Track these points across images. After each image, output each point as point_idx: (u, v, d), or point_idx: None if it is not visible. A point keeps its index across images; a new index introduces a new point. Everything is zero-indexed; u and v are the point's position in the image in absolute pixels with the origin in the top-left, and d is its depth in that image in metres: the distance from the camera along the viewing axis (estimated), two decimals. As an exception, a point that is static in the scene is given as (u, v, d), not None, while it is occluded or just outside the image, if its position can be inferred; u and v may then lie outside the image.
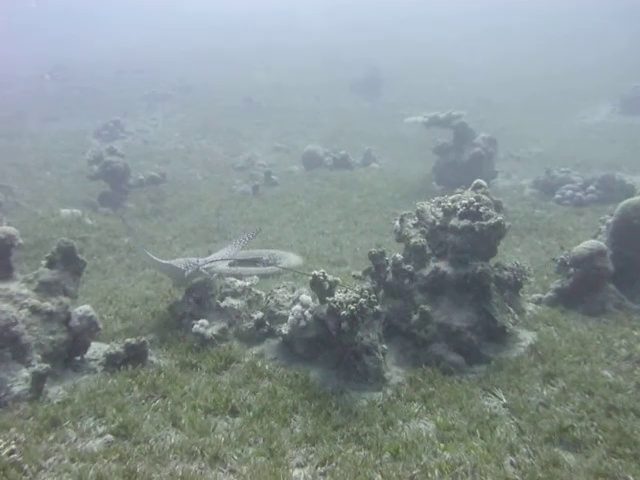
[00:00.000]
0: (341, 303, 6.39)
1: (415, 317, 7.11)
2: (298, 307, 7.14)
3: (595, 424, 5.24)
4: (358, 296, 6.38)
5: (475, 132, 16.67)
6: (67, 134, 25.42)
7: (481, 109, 20.55)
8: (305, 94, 30.55)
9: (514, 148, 20.87)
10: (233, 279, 8.04)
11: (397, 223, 8.18)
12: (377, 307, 6.55)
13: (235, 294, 7.89)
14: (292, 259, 11.00)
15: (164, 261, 8.39)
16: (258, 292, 7.98)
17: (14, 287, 6.94)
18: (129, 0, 64.05)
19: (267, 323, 7.65)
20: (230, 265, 11.06)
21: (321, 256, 11.58)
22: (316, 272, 6.77)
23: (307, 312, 7.02)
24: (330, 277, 6.85)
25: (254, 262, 11.16)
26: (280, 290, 7.65)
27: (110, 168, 15.99)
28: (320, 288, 6.78)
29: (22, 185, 17.91)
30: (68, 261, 7.37)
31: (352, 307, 6.26)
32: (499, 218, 7.00)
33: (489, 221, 7.03)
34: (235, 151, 22.47)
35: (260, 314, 7.74)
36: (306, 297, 7.25)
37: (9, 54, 38.60)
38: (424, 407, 5.95)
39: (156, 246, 12.57)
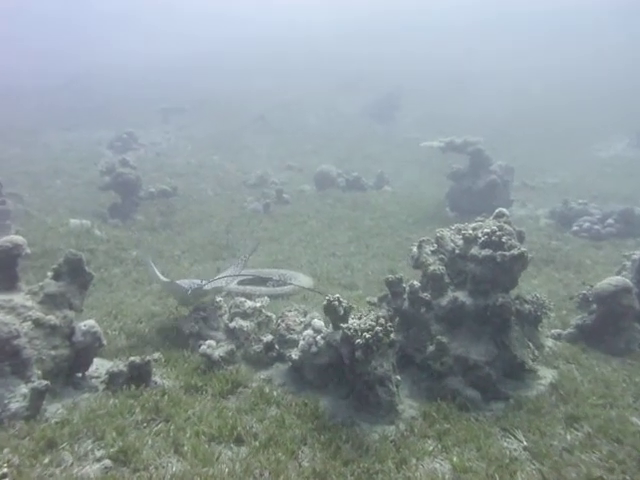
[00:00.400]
0: (356, 330, 6.12)
1: (431, 348, 6.83)
2: (310, 332, 6.88)
3: (628, 478, 4.90)
4: (374, 324, 6.12)
5: (491, 159, 16.48)
6: (80, 144, 25.51)
7: (495, 136, 20.39)
8: (319, 115, 30.61)
9: (529, 177, 20.67)
10: (243, 299, 7.79)
11: (415, 249, 7.93)
12: (393, 336, 6.28)
13: (245, 315, 7.63)
14: (303, 280, 10.75)
15: (168, 280, 8.49)
16: (268, 314, 7.73)
17: (18, 298, 6.71)
18: (145, 16, 64.96)
19: (276, 347, 7.39)
20: (239, 284, 10.87)
21: (332, 278, 11.33)
22: (331, 297, 6.52)
23: (319, 338, 6.76)
24: (345, 302, 6.59)
25: (264, 281, 10.92)
26: (291, 313, 7.38)
27: (122, 179, 15.89)
28: (334, 313, 6.52)
29: (32, 193, 17.85)
30: (75, 273, 7.15)
31: (367, 335, 5.99)
32: (522, 249, 6.75)
33: (512, 252, 6.77)
34: (247, 168, 22.38)
35: (270, 337, 7.47)
36: (318, 322, 7.00)
37: (25, 65, 38.98)
38: (439, 445, 5.64)
39: (164, 260, 12.37)
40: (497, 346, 6.75)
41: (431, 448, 5.59)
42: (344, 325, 6.25)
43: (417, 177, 22.33)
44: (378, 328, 6.05)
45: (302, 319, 7.32)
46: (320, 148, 25.83)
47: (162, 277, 8.53)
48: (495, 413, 6.22)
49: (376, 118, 29.89)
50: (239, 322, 7.52)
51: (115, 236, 12.84)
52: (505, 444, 5.58)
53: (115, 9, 61.37)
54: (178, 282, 8.33)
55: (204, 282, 8.29)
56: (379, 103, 30.63)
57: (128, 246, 12.54)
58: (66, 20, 56.54)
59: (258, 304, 7.69)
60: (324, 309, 6.61)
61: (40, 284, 7.00)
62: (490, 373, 6.58)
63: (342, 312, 6.50)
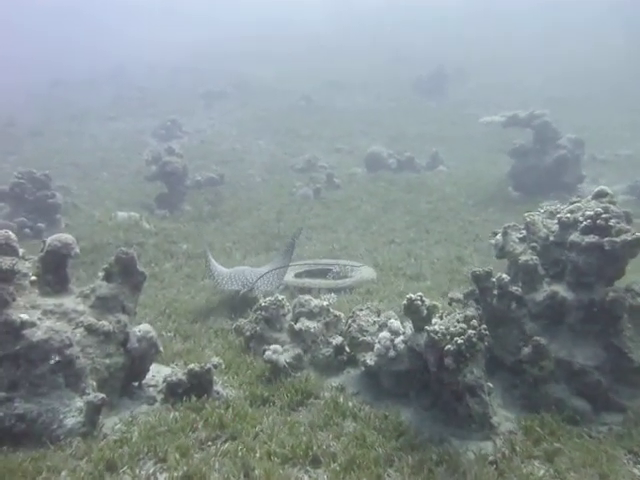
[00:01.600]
0: (444, 334, 5.32)
1: (526, 350, 5.95)
2: (386, 334, 6.12)
3: None
4: (465, 327, 5.30)
5: (559, 133, 15.19)
6: (125, 134, 25.28)
7: (555, 107, 18.79)
8: (366, 93, 29.44)
9: (598, 150, 19.13)
10: (308, 297, 7.07)
11: (498, 236, 7.02)
12: (488, 341, 5.44)
13: (311, 315, 6.92)
14: (365, 272, 9.97)
15: (221, 274, 9.11)
16: (337, 313, 6.99)
17: (69, 302, 6.20)
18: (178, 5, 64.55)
19: (347, 350, 6.66)
20: (296, 277, 10.19)
21: (395, 268, 10.51)
22: (412, 295, 5.73)
23: (398, 341, 5.99)
24: (427, 301, 5.78)
25: (323, 273, 10.21)
26: (363, 312, 6.62)
27: (168, 169, 15.39)
28: (416, 314, 5.73)
29: (81, 185, 17.63)
30: (127, 274, 6.58)
31: (460, 341, 5.18)
32: (637, 234, 5.75)
33: (622, 237, 5.79)
34: (294, 152, 21.63)
35: (339, 339, 6.76)
36: (395, 322, 6.22)
37: (66, 55, 39.23)
38: (551, 469, 4.81)
39: (215, 252, 11.77)
40: (606, 348, 5.82)
41: (541, 473, 4.77)
42: (429, 328, 5.45)
43: (472, 156, 21.09)
44: (471, 332, 5.23)
45: (376, 319, 6.55)
46: (369, 128, 24.79)
47: (218, 275, 9.03)
48: (612, 429, 5.32)
49: (427, 94, 28.50)
50: (305, 323, 6.82)
51: (164, 228, 12.35)
52: (636, 471, 4.69)
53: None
54: (232, 273, 9.11)
55: (254, 276, 9.02)
56: (430, 78, 29.15)
57: (178, 239, 12.04)
58: (94, 16, 56.91)
59: (325, 302, 6.95)
60: (404, 309, 5.82)
61: (91, 286, 6.46)
62: (600, 379, 5.67)
63: (425, 312, 5.70)
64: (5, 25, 50.64)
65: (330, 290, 9.27)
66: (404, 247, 12.16)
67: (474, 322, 5.33)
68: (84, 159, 20.45)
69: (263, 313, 7.20)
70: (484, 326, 5.35)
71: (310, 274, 10.43)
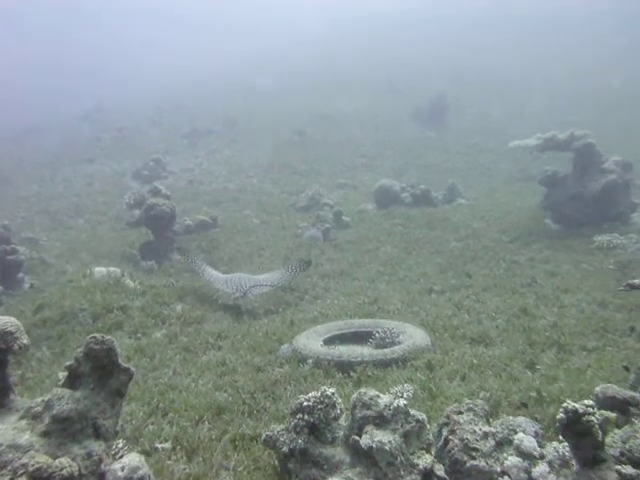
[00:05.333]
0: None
1: None
2: (516, 461, 3.85)
3: None
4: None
5: (602, 155, 13.30)
6: (102, 177, 23.02)
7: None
8: (363, 125, 27.66)
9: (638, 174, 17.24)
10: (374, 393, 4.78)
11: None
12: None
13: (382, 421, 4.60)
14: (416, 335, 7.70)
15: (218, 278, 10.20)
16: (419, 416, 4.68)
17: (7, 429, 3.90)
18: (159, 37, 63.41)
19: (445, 477, 4.35)
20: (328, 344, 7.93)
21: (450, 328, 8.24)
22: (576, 406, 3.48)
23: (540, 473, 3.71)
24: (598, 413, 3.54)
25: (363, 338, 7.96)
26: (465, 417, 4.34)
27: (154, 212, 13.12)
28: (587, 438, 3.47)
29: (51, 236, 15.30)
30: (103, 375, 4.31)
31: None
32: None
33: None
34: (293, 189, 19.53)
35: (428, 459, 4.43)
36: (527, 439, 3.97)
37: (38, 101, 37.17)
38: None
39: (218, 315, 9.50)
40: None
41: None
42: (624, 470, 3.18)
43: (491, 187, 19.18)
44: None
45: (485, 428, 4.27)
46: (371, 161, 22.84)
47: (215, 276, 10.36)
48: None
49: (426, 124, 26.82)
50: (375, 435, 4.49)
51: (152, 286, 9.98)
52: None
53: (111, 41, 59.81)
54: (228, 280, 10.08)
55: (249, 283, 9.97)
56: (428, 107, 27.56)
57: (170, 298, 9.68)
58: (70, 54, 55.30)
59: (401, 401, 4.65)
60: (561, 428, 3.56)
61: (45, 399, 4.15)
62: None
63: (600, 435, 3.45)
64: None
65: (376, 363, 7.02)
66: (447, 297, 9.96)
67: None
68: (56, 206, 18.12)
69: (306, 417, 4.86)
70: None
71: (343, 339, 8.15)
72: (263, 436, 5.02)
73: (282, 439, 4.90)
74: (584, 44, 37.37)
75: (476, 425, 4.31)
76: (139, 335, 8.54)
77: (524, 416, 4.96)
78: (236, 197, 19.03)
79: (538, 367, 6.62)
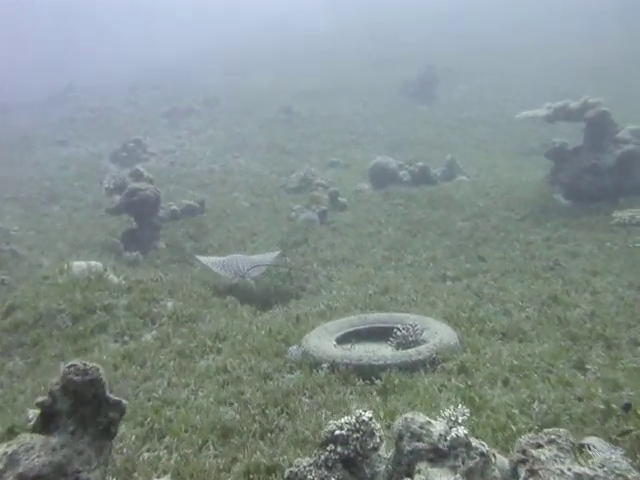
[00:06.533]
0: None
1: None
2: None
3: None
4: None
5: (617, 124, 12.48)
6: (78, 159, 21.59)
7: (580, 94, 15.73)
8: (351, 100, 26.46)
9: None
10: (423, 419, 3.89)
11: None
12: None
13: (436, 455, 3.72)
14: (441, 331, 6.83)
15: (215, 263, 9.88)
16: (483, 448, 3.80)
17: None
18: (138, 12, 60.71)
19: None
20: (341, 342, 7.05)
21: (475, 320, 7.39)
22: None
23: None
24: None
25: (382, 335, 7.07)
26: (547, 452, 3.47)
27: (137, 198, 12.01)
28: None
29: (24, 225, 14.08)
30: (87, 413, 3.38)
31: None
32: None
33: None
34: (282, 169, 18.45)
35: (499, 506, 3.59)
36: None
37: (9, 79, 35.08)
38: None
39: (215, 312, 8.54)
40: None
41: None
42: None
43: (489, 161, 18.32)
44: None
45: (577, 468, 3.40)
46: (361, 138, 21.74)
47: (212, 261, 10.01)
48: None
49: (416, 97, 25.74)
50: (431, 476, 3.62)
51: (138, 281, 8.93)
52: None
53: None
54: (226, 262, 9.85)
55: (246, 265, 9.76)
56: (418, 80, 26.43)
57: (159, 293, 8.67)
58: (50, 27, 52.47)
59: (461, 430, 3.76)
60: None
61: (8, 450, 3.20)
62: None
63: None
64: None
65: (400, 366, 6.14)
66: (464, 284, 9.10)
67: None
68: (27, 192, 16.79)
69: (339, 449, 3.96)
70: None
71: (358, 336, 7.25)
72: (286, 473, 4.09)
73: (310, 477, 4.00)
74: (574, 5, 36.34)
75: (563, 463, 3.44)
76: (126, 338, 7.55)
77: (595, 434, 4.15)
78: (223, 179, 17.90)
79: (588, 367, 5.81)
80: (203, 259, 10.27)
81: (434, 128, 22.40)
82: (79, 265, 8.81)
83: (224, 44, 43.31)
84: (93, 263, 8.90)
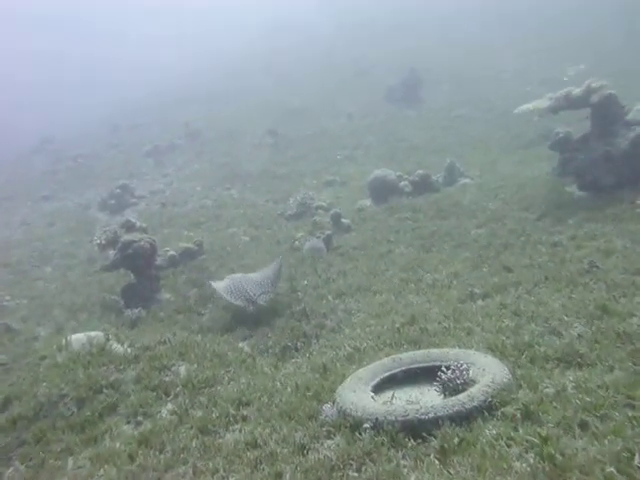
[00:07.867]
0: None
1: None
2: None
3: None
4: None
5: (624, 106, 11.85)
6: (65, 213, 20.90)
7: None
8: (335, 115, 25.94)
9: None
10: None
11: None
12: None
13: None
14: (490, 366, 6.07)
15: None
16: None
17: None
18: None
19: None
20: (379, 389, 6.28)
21: (522, 346, 6.63)
22: None
23: None
24: None
25: (428, 375, 6.28)
26: None
27: (132, 251, 11.28)
28: None
29: (16, 292, 13.32)
30: None
31: None
32: None
33: None
34: (277, 196, 17.78)
35: None
36: None
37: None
38: None
39: (231, 370, 7.77)
40: None
41: None
42: None
43: (488, 159, 17.69)
44: None
45: None
46: (353, 152, 21.11)
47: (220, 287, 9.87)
48: None
49: (402, 103, 25.21)
50: None
51: (145, 347, 8.16)
52: None
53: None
54: (230, 286, 9.78)
55: (253, 290, 9.69)
56: (402, 84, 25.90)
57: (169, 360, 7.88)
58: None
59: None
60: None
61: None
62: None
63: None
64: None
65: (453, 417, 5.37)
66: (497, 302, 8.34)
67: None
68: (17, 255, 16.04)
69: None
70: None
71: (394, 381, 6.47)
72: None
73: None
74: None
75: None
76: (139, 418, 6.75)
77: None
78: (217, 214, 17.19)
79: (677, 399, 5.05)
80: (215, 285, 10.06)
81: (426, 132, 21.81)
82: (78, 339, 8.04)
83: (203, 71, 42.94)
84: (93, 334, 8.13)
